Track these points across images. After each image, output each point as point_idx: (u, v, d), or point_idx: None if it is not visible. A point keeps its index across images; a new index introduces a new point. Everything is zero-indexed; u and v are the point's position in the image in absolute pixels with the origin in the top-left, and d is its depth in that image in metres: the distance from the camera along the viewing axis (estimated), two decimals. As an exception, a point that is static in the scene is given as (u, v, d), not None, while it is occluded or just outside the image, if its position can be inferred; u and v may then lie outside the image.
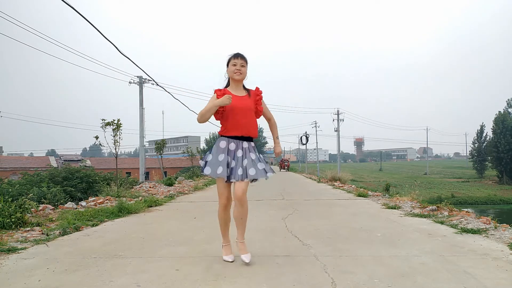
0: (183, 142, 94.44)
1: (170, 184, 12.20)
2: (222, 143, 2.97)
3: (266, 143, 73.39)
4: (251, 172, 2.87)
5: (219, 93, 2.97)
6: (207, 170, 2.94)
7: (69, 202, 7.04)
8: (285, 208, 6.39)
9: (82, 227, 4.59)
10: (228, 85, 3.12)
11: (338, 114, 42.64)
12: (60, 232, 4.21)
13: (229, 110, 2.95)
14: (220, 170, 2.88)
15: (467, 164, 72.45)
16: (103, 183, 10.84)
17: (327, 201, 7.75)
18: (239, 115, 2.96)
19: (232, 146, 2.97)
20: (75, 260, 3.10)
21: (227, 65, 3.06)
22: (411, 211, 5.62)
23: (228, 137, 2.98)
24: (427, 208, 5.59)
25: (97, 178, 12.74)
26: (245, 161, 2.92)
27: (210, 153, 3.01)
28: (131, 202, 6.77)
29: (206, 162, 2.99)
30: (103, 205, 6.73)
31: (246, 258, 2.91)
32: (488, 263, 2.80)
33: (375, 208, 6.34)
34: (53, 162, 38.48)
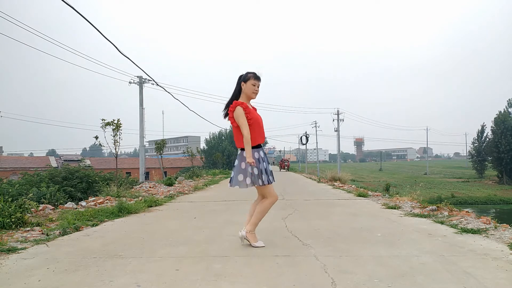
0: (183, 142, 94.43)
1: (170, 184, 12.20)
2: (256, 154, 3.36)
3: (267, 142, 73.51)
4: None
5: (245, 106, 3.33)
6: (264, 180, 3.34)
7: (69, 202, 7.04)
8: (285, 208, 6.39)
9: (82, 227, 4.59)
10: (238, 96, 3.44)
11: (338, 114, 42.63)
12: (60, 232, 4.21)
13: (255, 122, 3.35)
14: (265, 177, 3.35)
15: (467, 164, 72.41)
16: (103, 183, 10.84)
17: (327, 201, 7.74)
18: (260, 125, 3.42)
19: (262, 154, 3.41)
20: (75, 260, 3.10)
21: (245, 80, 3.37)
22: (411, 211, 5.62)
23: (255, 147, 3.36)
24: (427, 208, 5.58)
25: (97, 178, 12.73)
26: (269, 166, 3.47)
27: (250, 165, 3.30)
28: (131, 202, 6.77)
29: (252, 176, 3.32)
30: (103, 205, 6.74)
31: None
32: (488, 263, 2.80)
33: (375, 208, 6.34)
34: (53, 162, 38.48)
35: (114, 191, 8.26)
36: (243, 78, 3.39)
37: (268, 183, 3.37)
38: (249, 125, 3.29)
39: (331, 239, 3.80)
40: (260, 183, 3.32)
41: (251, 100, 3.51)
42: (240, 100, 3.40)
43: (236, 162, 3.42)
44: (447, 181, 50.67)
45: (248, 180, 3.32)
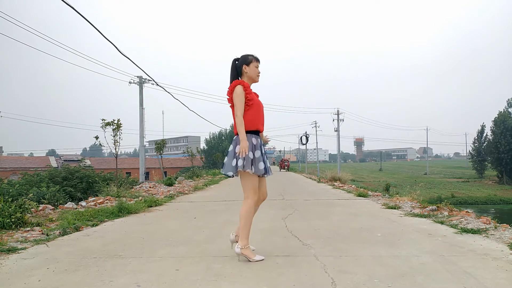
0: (183, 142, 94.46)
1: (170, 184, 12.20)
2: (253, 140, 3.05)
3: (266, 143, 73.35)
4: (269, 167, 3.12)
5: (246, 86, 3.04)
6: (256, 170, 2.98)
7: (69, 202, 7.04)
8: (285, 208, 6.39)
9: (82, 227, 4.59)
10: (240, 77, 3.20)
11: (338, 114, 42.61)
12: (60, 232, 4.21)
13: (256, 104, 3.09)
14: (262, 166, 3.01)
15: (467, 164, 72.42)
16: (103, 183, 10.84)
17: (327, 201, 7.74)
18: (261, 110, 3.16)
19: (259, 141, 3.10)
20: (75, 260, 3.10)
21: (247, 63, 3.14)
22: (411, 211, 5.62)
23: (252, 132, 3.05)
24: (427, 208, 5.58)
25: (97, 178, 12.74)
26: (265, 157, 3.13)
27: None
28: (131, 202, 6.77)
29: (245, 160, 2.93)
30: (103, 205, 6.74)
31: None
32: (488, 263, 2.80)
33: (375, 208, 6.34)
34: (53, 162, 38.48)
35: (114, 191, 8.26)
36: (244, 61, 3.14)
37: (259, 175, 3.05)
38: (249, 105, 3.02)
39: (331, 239, 3.80)
40: (252, 171, 2.95)
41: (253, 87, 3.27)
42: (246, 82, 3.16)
43: (231, 148, 3.06)
44: (447, 181, 50.67)
45: (240, 162, 2.92)
